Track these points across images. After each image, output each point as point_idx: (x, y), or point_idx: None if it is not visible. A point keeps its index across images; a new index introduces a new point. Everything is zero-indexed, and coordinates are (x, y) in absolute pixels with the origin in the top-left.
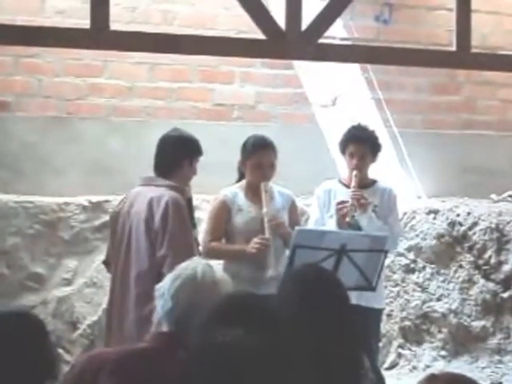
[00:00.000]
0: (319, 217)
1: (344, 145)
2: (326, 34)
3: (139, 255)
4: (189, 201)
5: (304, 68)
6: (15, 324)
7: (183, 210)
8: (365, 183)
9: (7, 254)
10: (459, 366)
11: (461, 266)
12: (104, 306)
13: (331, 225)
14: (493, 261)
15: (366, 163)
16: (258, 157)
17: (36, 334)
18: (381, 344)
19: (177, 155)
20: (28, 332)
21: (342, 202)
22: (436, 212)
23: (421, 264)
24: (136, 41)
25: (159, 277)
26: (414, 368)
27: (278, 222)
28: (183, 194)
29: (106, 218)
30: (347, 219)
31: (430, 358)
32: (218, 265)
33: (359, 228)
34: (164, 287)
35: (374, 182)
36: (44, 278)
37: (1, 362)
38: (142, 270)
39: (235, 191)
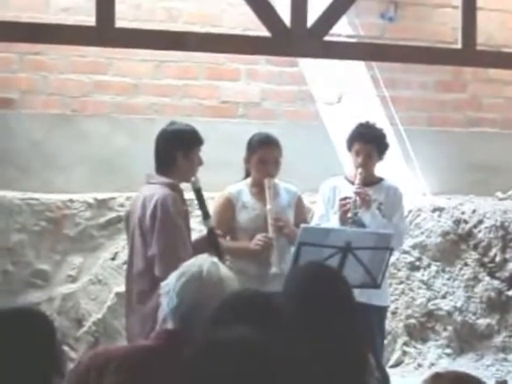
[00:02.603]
0: (324, 213)
1: (350, 142)
2: (332, 31)
3: (137, 255)
4: (198, 191)
5: (309, 65)
6: (23, 321)
7: (170, 210)
8: (371, 181)
9: (12, 250)
10: (464, 364)
11: (466, 264)
12: (109, 303)
13: (335, 221)
14: (498, 259)
15: (371, 162)
16: (262, 153)
17: (44, 332)
18: (386, 342)
19: (169, 149)
20: (36, 329)
21: (345, 199)
22: (441, 209)
23: (426, 261)
24: (141, 38)
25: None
26: (419, 366)
27: (283, 223)
28: (175, 190)
29: (112, 215)
30: (349, 215)
31: (434, 355)
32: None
33: (362, 225)
34: (170, 284)
35: (380, 179)
36: (49, 274)
37: (9, 358)
38: (139, 270)
39: (240, 188)
